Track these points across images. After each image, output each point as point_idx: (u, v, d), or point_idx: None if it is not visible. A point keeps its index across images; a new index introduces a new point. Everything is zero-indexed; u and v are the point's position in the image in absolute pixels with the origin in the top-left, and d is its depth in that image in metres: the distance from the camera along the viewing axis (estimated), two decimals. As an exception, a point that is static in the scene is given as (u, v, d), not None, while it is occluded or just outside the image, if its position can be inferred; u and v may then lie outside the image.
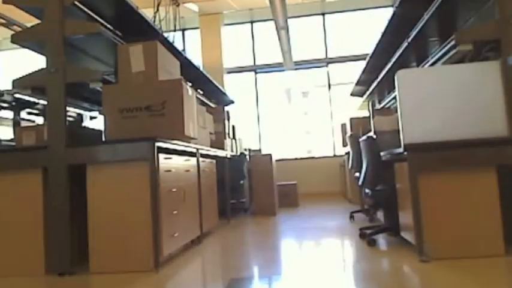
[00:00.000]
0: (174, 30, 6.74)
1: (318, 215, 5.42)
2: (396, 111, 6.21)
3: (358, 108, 7.25)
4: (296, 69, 8.92)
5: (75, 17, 3.14)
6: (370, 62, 5.26)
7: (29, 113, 4.48)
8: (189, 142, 3.39)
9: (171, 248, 2.93)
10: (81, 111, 4.29)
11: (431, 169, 2.62)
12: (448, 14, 3.11)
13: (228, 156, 5.35)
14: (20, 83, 2.99)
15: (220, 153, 4.89)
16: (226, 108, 5.90)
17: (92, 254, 2.73)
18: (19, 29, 5.32)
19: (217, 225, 4.55)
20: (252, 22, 9.34)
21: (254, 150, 7.86)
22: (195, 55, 8.53)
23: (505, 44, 2.61)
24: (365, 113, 7.11)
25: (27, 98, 4.00)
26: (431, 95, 2.68)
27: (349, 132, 6.85)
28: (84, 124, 4.34)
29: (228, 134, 5.78)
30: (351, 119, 6.82)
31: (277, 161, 6.63)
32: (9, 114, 4.38)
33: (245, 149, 7.16)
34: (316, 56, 9.08)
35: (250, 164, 6.20)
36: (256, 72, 9.28)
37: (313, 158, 8.60)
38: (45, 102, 3.32)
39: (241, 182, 6.04)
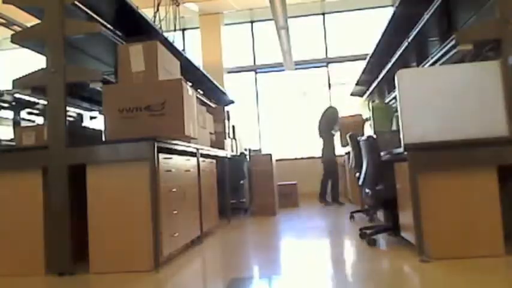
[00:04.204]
0: (174, 30, 6.74)
1: (318, 215, 5.42)
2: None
3: (358, 108, 7.25)
4: (296, 69, 8.91)
5: (75, 17, 3.13)
6: (370, 62, 5.26)
7: (29, 113, 4.48)
8: (189, 142, 3.38)
9: (171, 248, 2.93)
10: (81, 111, 4.28)
11: (431, 169, 2.62)
12: (448, 14, 3.12)
13: (228, 156, 5.35)
14: (20, 83, 2.99)
15: (220, 153, 4.89)
16: (226, 108, 5.90)
17: (92, 254, 2.73)
18: (19, 29, 5.32)
19: (217, 225, 4.55)
20: (252, 22, 9.34)
21: (254, 150, 7.86)
22: (195, 55, 8.53)
23: (505, 44, 2.61)
24: (357, 111, 7.12)
25: (27, 98, 4.00)
26: (431, 95, 2.68)
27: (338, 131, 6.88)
28: (84, 124, 4.33)
29: (228, 134, 5.78)
30: (341, 118, 6.83)
31: (277, 161, 6.62)
32: (9, 114, 4.38)
33: (245, 149, 7.16)
34: (316, 56, 9.07)
35: (250, 164, 6.20)
36: (256, 72, 9.28)
37: (313, 158, 8.59)
38: (45, 102, 3.32)
39: (241, 182, 6.04)
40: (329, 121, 6.71)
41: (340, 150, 6.86)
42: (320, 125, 6.80)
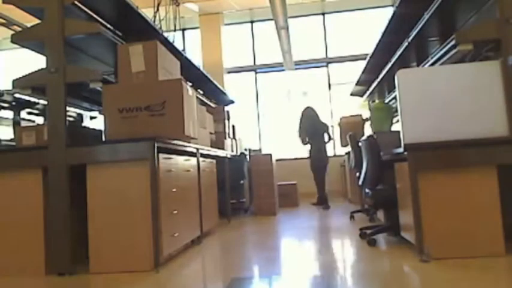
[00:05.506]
0: (174, 30, 6.74)
1: (318, 214, 5.42)
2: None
3: (358, 108, 7.26)
4: (296, 69, 8.91)
5: (75, 17, 3.13)
6: (370, 62, 5.26)
7: (29, 113, 4.48)
8: (189, 142, 3.38)
9: (171, 248, 2.93)
10: (81, 111, 4.29)
11: (431, 169, 2.62)
12: (448, 14, 3.12)
13: (228, 156, 5.35)
14: (20, 83, 2.99)
15: (220, 153, 4.89)
16: (226, 108, 5.90)
17: (92, 254, 2.73)
18: (19, 29, 5.32)
19: (217, 225, 4.55)
20: (252, 22, 9.34)
21: (254, 150, 7.86)
22: (195, 55, 8.53)
23: (505, 44, 2.61)
24: (357, 111, 7.12)
25: (27, 98, 4.00)
26: (431, 95, 2.68)
27: (338, 132, 6.88)
28: (84, 124, 4.34)
29: (228, 134, 5.78)
30: (341, 119, 6.83)
31: (277, 161, 6.62)
32: (9, 114, 4.38)
33: (245, 149, 7.16)
34: (316, 56, 9.07)
35: (250, 164, 6.20)
36: (256, 72, 9.28)
37: (313, 158, 8.58)
38: (45, 102, 3.32)
39: (241, 182, 6.04)
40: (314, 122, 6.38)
41: (340, 149, 6.85)
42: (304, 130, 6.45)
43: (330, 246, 3.34)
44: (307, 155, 6.49)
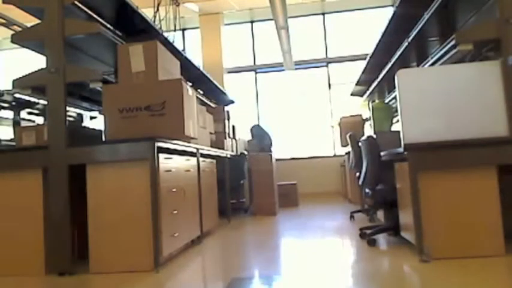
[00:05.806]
0: (174, 30, 6.74)
1: (318, 215, 5.42)
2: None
3: (358, 108, 7.26)
4: (296, 69, 8.91)
5: (75, 17, 3.14)
6: (370, 62, 5.26)
7: (29, 113, 4.48)
8: (189, 142, 3.39)
9: (171, 248, 2.93)
10: (81, 111, 4.29)
11: (431, 169, 2.62)
12: (448, 14, 3.12)
13: (228, 156, 5.35)
14: (20, 83, 2.99)
15: (220, 153, 4.89)
16: (226, 108, 5.90)
17: (92, 254, 2.73)
18: (19, 29, 5.32)
19: (217, 225, 4.55)
20: (252, 22, 9.34)
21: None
22: (195, 55, 8.53)
23: (505, 44, 2.61)
24: (357, 111, 7.13)
25: (27, 98, 4.01)
26: (431, 95, 2.68)
27: (338, 132, 6.90)
28: (84, 124, 4.33)
29: (228, 134, 5.78)
30: (341, 119, 6.84)
31: (277, 160, 6.63)
32: (9, 114, 4.38)
33: (246, 149, 7.16)
34: (316, 56, 9.07)
35: (250, 164, 6.20)
36: (256, 72, 9.28)
37: (313, 158, 8.59)
38: (45, 102, 3.32)
39: (241, 182, 6.04)
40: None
41: (340, 149, 6.86)
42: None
43: (330, 246, 3.34)
44: None
